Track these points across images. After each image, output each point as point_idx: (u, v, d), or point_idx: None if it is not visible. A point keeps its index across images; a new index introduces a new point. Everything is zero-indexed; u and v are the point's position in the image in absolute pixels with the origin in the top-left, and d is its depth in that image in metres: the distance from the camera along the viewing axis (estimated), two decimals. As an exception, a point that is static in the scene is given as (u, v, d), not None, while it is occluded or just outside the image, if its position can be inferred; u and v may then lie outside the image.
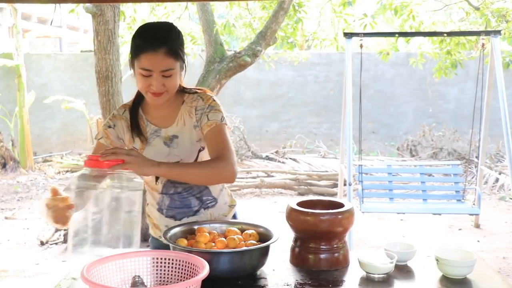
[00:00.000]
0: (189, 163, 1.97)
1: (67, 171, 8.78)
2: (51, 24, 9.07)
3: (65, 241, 5.12)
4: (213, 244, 1.79)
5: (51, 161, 9.53)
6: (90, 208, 1.65)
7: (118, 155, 1.67)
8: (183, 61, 1.94)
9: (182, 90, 2.04)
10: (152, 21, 7.31)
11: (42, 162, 9.52)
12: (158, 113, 2.01)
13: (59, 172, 8.73)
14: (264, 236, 1.83)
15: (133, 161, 1.68)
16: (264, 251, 1.76)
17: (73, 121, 9.93)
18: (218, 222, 1.99)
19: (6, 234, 5.54)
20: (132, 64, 1.91)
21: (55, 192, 1.59)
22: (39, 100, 9.29)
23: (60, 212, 1.57)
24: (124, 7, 6.52)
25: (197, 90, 2.06)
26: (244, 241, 1.81)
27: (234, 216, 2.17)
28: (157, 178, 2.04)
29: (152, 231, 2.17)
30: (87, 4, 4.59)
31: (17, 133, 9.06)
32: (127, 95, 6.02)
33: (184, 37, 2.03)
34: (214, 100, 2.00)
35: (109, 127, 2.01)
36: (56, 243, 5.15)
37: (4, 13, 10.89)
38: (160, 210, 2.09)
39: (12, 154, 8.77)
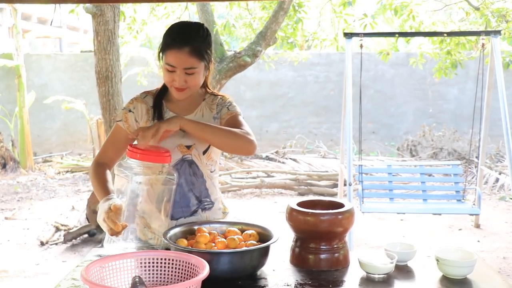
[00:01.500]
0: (219, 127, 1.99)
1: (67, 171, 8.78)
2: (51, 25, 9.05)
3: (65, 241, 5.12)
4: (213, 244, 1.79)
5: (51, 161, 9.52)
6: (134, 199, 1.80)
7: (155, 132, 1.79)
8: (209, 61, 2.02)
9: (205, 90, 2.14)
10: (152, 22, 7.29)
11: (42, 163, 9.52)
12: (180, 103, 2.09)
13: (59, 173, 8.73)
14: (264, 236, 1.83)
15: (165, 125, 1.81)
16: (264, 252, 1.75)
17: (73, 122, 9.93)
18: (218, 222, 1.99)
19: (6, 235, 5.54)
20: (159, 58, 2.01)
21: (117, 209, 1.72)
22: (39, 100, 9.29)
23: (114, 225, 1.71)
24: (124, 7, 6.52)
25: (219, 94, 2.16)
26: (244, 242, 1.81)
27: None
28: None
29: (140, 234, 1.99)
30: (87, 5, 4.59)
31: (17, 134, 9.05)
32: (127, 95, 6.01)
33: (211, 36, 2.10)
34: (234, 102, 2.14)
35: (130, 111, 2.09)
36: (56, 244, 5.15)
37: (4, 13, 10.89)
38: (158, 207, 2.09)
39: (12, 154, 8.77)
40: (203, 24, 2.06)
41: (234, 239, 1.79)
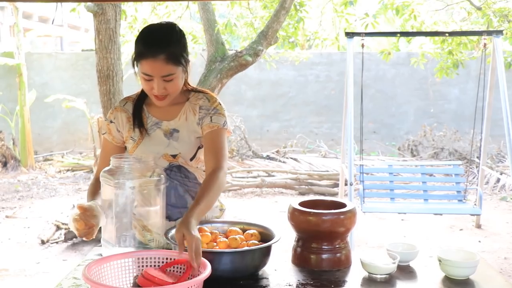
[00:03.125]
0: (205, 195, 1.82)
1: (67, 170, 8.78)
2: (52, 23, 9.05)
3: (65, 240, 5.12)
4: (215, 244, 1.78)
5: (52, 160, 9.53)
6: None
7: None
8: (186, 64, 1.93)
9: (187, 89, 2.06)
10: (153, 21, 7.28)
11: (43, 161, 9.52)
12: (161, 107, 2.02)
13: (59, 171, 8.73)
14: (265, 236, 1.83)
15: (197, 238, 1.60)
16: (266, 251, 1.75)
17: (74, 120, 9.93)
18: (219, 222, 1.98)
19: (6, 233, 5.54)
20: (134, 66, 1.93)
21: (82, 209, 1.69)
22: (40, 99, 9.29)
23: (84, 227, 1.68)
24: (125, 6, 6.51)
25: (203, 91, 2.08)
26: (246, 241, 1.81)
27: None
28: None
29: (139, 236, 1.89)
30: (89, 3, 4.59)
31: (18, 132, 9.06)
32: (128, 94, 6.01)
33: (185, 37, 2.02)
34: (220, 104, 2.03)
35: (111, 122, 2.05)
36: (56, 242, 5.14)
37: (5, 12, 10.89)
38: None
39: (13, 153, 8.77)
40: (175, 25, 1.96)
41: (236, 239, 1.79)
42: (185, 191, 2.02)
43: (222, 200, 2.20)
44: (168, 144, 1.99)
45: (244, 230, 1.88)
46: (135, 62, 1.91)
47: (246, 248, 1.73)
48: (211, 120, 1.97)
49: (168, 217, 2.00)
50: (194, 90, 2.07)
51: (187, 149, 2.00)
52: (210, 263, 1.51)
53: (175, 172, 2.00)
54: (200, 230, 1.84)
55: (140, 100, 2.05)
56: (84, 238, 1.69)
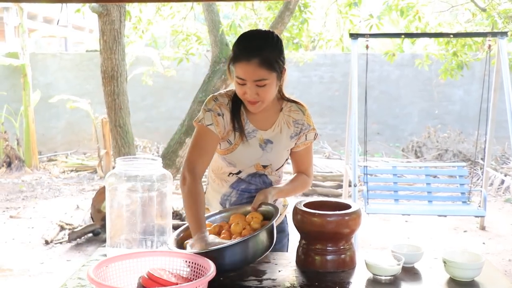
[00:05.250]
0: (287, 185, 2.09)
1: (71, 171, 8.80)
2: (57, 24, 9.08)
3: (69, 240, 5.12)
4: (220, 236, 1.78)
5: (56, 160, 9.54)
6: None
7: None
8: (281, 71, 1.91)
9: (281, 97, 2.05)
10: (158, 22, 7.27)
11: (47, 161, 9.53)
12: (257, 116, 2.00)
13: (63, 172, 8.74)
14: (268, 215, 1.85)
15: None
16: (269, 232, 1.75)
17: (78, 121, 9.95)
18: (216, 213, 2.00)
19: (11, 233, 5.55)
20: (229, 71, 1.95)
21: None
22: (44, 99, 9.31)
23: None
24: (130, 7, 6.52)
25: (295, 101, 2.08)
26: (249, 224, 1.82)
27: (286, 216, 2.24)
28: (231, 173, 2.05)
29: None
30: (93, 4, 4.60)
31: (22, 132, 9.08)
32: (132, 95, 6.04)
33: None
34: (311, 117, 2.09)
35: (219, 114, 1.96)
36: (60, 243, 5.15)
37: (10, 12, 10.92)
38: (223, 203, 2.09)
39: (17, 153, 8.79)
40: (272, 32, 1.95)
41: (238, 224, 1.81)
42: (256, 191, 2.04)
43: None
44: (261, 156, 2.01)
45: (245, 214, 1.90)
46: (230, 66, 1.91)
47: (241, 238, 1.69)
48: (306, 139, 2.07)
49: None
50: (286, 99, 2.06)
51: (278, 162, 2.05)
52: (215, 261, 1.51)
53: (257, 177, 2.05)
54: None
55: (237, 103, 1.99)
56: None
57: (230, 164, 2.02)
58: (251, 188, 2.05)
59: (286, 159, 2.09)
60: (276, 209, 1.84)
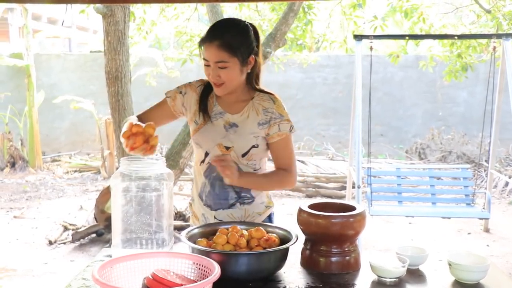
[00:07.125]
0: (261, 174, 2.12)
1: (75, 171, 8.81)
2: (62, 25, 9.09)
3: (73, 240, 5.13)
4: (235, 245, 1.77)
5: (59, 160, 9.56)
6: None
7: (227, 164, 1.94)
8: (246, 57, 1.99)
9: (254, 88, 2.12)
10: (162, 23, 7.25)
11: (51, 162, 9.56)
12: (228, 99, 2.10)
13: (67, 172, 8.76)
14: (285, 238, 1.82)
15: (232, 172, 1.94)
16: (282, 254, 1.74)
17: (82, 121, 9.97)
18: (243, 223, 1.96)
19: (14, 233, 5.56)
20: (200, 54, 2.07)
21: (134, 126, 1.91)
22: (48, 100, 9.33)
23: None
24: (134, 8, 6.53)
25: (268, 92, 2.14)
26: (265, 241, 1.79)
27: (270, 217, 2.23)
28: (202, 161, 2.12)
29: (192, 222, 2.25)
30: (98, 5, 4.60)
31: (26, 133, 9.10)
32: (136, 96, 6.03)
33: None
34: (285, 109, 2.10)
35: (180, 92, 2.16)
36: (64, 243, 5.16)
37: (15, 13, 10.95)
38: (200, 196, 2.16)
39: (21, 153, 8.81)
40: (244, 21, 2.06)
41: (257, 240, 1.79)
42: (230, 185, 2.06)
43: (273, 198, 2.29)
44: (225, 136, 2.06)
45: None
46: (200, 50, 2.04)
47: (261, 250, 1.73)
48: (279, 129, 2.06)
49: (210, 206, 2.12)
50: (260, 90, 2.13)
51: (241, 145, 2.06)
52: (225, 264, 1.51)
53: None
54: (220, 231, 1.83)
55: (209, 87, 2.12)
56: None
57: (197, 145, 2.13)
58: (222, 176, 2.01)
59: (253, 146, 2.06)
60: (295, 234, 1.82)
